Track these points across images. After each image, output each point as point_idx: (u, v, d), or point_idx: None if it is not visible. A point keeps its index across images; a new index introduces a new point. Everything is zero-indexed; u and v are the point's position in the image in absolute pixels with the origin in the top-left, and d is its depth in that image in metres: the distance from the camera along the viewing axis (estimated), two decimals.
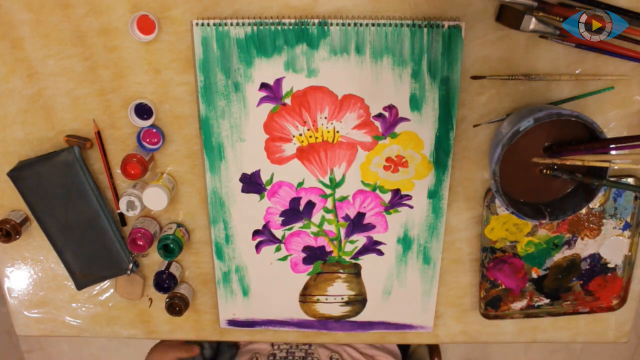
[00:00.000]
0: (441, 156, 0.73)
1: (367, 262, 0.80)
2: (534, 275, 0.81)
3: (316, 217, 0.77)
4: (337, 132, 0.72)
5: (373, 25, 0.66)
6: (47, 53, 0.69)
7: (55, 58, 0.70)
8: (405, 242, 0.79)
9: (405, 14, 0.66)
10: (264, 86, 0.69)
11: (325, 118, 0.71)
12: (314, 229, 0.78)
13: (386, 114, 0.71)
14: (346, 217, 0.77)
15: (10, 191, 0.76)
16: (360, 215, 0.77)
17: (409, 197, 0.76)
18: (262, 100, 0.70)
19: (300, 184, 0.75)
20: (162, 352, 1.00)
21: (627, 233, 0.78)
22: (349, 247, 0.79)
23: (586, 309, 0.83)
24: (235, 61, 0.68)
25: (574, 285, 0.82)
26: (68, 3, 0.67)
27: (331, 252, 0.80)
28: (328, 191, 0.75)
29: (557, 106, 0.69)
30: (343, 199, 0.76)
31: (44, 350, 1.77)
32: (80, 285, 0.81)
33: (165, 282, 0.79)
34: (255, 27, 0.66)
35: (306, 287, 0.83)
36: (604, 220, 0.77)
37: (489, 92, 0.70)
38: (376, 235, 0.78)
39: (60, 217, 0.76)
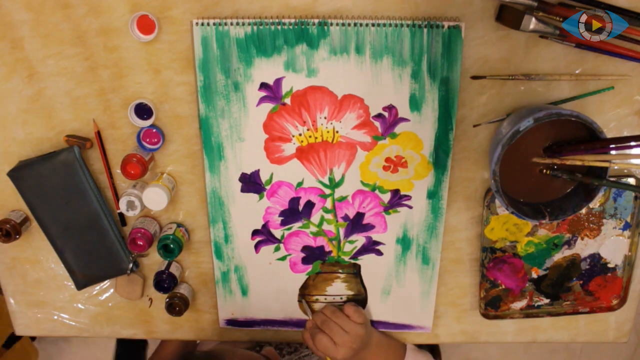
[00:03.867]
0: (441, 156, 0.73)
1: (366, 262, 0.80)
2: (534, 275, 0.81)
3: (315, 217, 0.77)
4: (337, 132, 0.72)
5: (373, 25, 0.66)
6: (47, 53, 0.70)
7: (55, 58, 0.70)
8: (405, 242, 0.79)
9: (405, 14, 0.66)
10: (263, 86, 0.69)
11: (325, 118, 0.71)
12: (313, 228, 0.78)
13: (386, 114, 0.71)
14: (345, 217, 0.77)
15: (10, 191, 0.76)
16: (360, 216, 0.77)
17: (408, 197, 0.76)
18: (262, 100, 0.70)
19: (300, 183, 0.75)
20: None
21: (627, 233, 0.78)
22: (348, 247, 0.79)
23: (586, 309, 0.83)
24: (235, 61, 0.68)
25: (574, 285, 0.82)
26: (68, 3, 0.67)
27: (330, 252, 0.80)
28: (327, 191, 0.75)
29: (557, 106, 0.69)
30: (342, 199, 0.76)
31: (44, 350, 1.77)
32: (80, 285, 0.81)
33: (165, 282, 0.79)
34: (255, 27, 0.66)
35: (305, 286, 0.83)
36: (604, 220, 0.77)
37: (489, 92, 0.70)
38: (375, 236, 0.78)
39: (60, 217, 0.76)
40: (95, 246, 0.78)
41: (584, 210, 0.76)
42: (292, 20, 0.66)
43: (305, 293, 0.83)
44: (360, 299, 0.83)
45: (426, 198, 0.76)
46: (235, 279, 0.82)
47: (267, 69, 0.69)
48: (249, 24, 0.66)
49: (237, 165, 0.74)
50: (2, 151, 0.75)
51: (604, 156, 0.63)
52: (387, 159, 0.73)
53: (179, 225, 0.79)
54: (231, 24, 0.66)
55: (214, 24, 0.66)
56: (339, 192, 0.76)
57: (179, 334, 0.88)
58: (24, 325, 0.88)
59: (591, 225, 0.77)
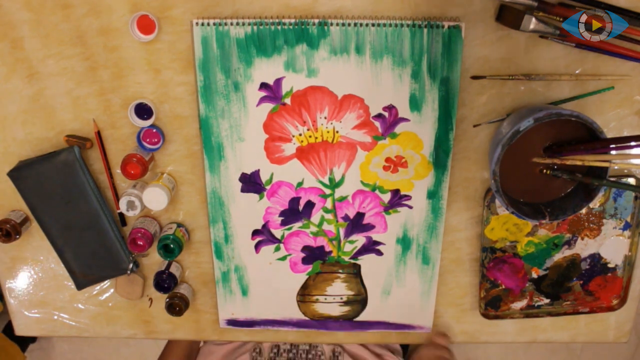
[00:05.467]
0: (441, 156, 0.73)
1: (366, 262, 0.80)
2: (534, 275, 0.81)
3: (315, 217, 0.77)
4: (337, 132, 0.72)
5: (373, 25, 0.66)
6: (47, 53, 0.70)
7: (55, 58, 0.70)
8: (405, 242, 0.79)
9: (405, 14, 0.66)
10: (263, 86, 0.69)
11: (325, 118, 0.71)
12: (314, 228, 0.78)
13: (386, 114, 0.71)
14: (345, 217, 0.77)
15: (10, 191, 0.76)
16: (360, 216, 0.77)
17: (408, 197, 0.76)
18: (262, 100, 0.70)
19: (300, 183, 0.75)
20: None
21: (627, 233, 0.78)
22: (348, 247, 0.79)
23: (586, 309, 0.83)
24: (235, 61, 0.68)
25: (574, 285, 0.82)
26: (68, 3, 0.67)
27: (330, 252, 0.80)
28: (327, 191, 0.75)
29: (557, 106, 0.69)
30: (342, 199, 0.76)
31: (44, 350, 1.77)
32: (80, 285, 0.81)
33: (165, 282, 0.79)
34: (255, 27, 0.66)
35: (305, 287, 0.83)
36: (604, 220, 0.77)
37: (489, 92, 0.70)
38: (375, 236, 0.78)
39: (60, 217, 0.76)
40: (95, 246, 0.78)
41: (584, 210, 0.76)
42: (292, 20, 0.66)
43: (305, 293, 0.83)
44: (360, 299, 0.83)
45: (426, 198, 0.76)
46: (235, 279, 0.82)
47: (267, 69, 0.69)
48: (249, 24, 0.66)
49: (237, 165, 0.74)
50: (2, 151, 0.75)
51: (604, 156, 0.63)
52: (387, 159, 0.73)
53: (179, 225, 0.79)
54: (231, 24, 0.66)
55: (214, 24, 0.66)
56: (339, 192, 0.76)
57: (179, 334, 0.88)
58: (24, 325, 0.88)
59: (591, 225, 0.77)
